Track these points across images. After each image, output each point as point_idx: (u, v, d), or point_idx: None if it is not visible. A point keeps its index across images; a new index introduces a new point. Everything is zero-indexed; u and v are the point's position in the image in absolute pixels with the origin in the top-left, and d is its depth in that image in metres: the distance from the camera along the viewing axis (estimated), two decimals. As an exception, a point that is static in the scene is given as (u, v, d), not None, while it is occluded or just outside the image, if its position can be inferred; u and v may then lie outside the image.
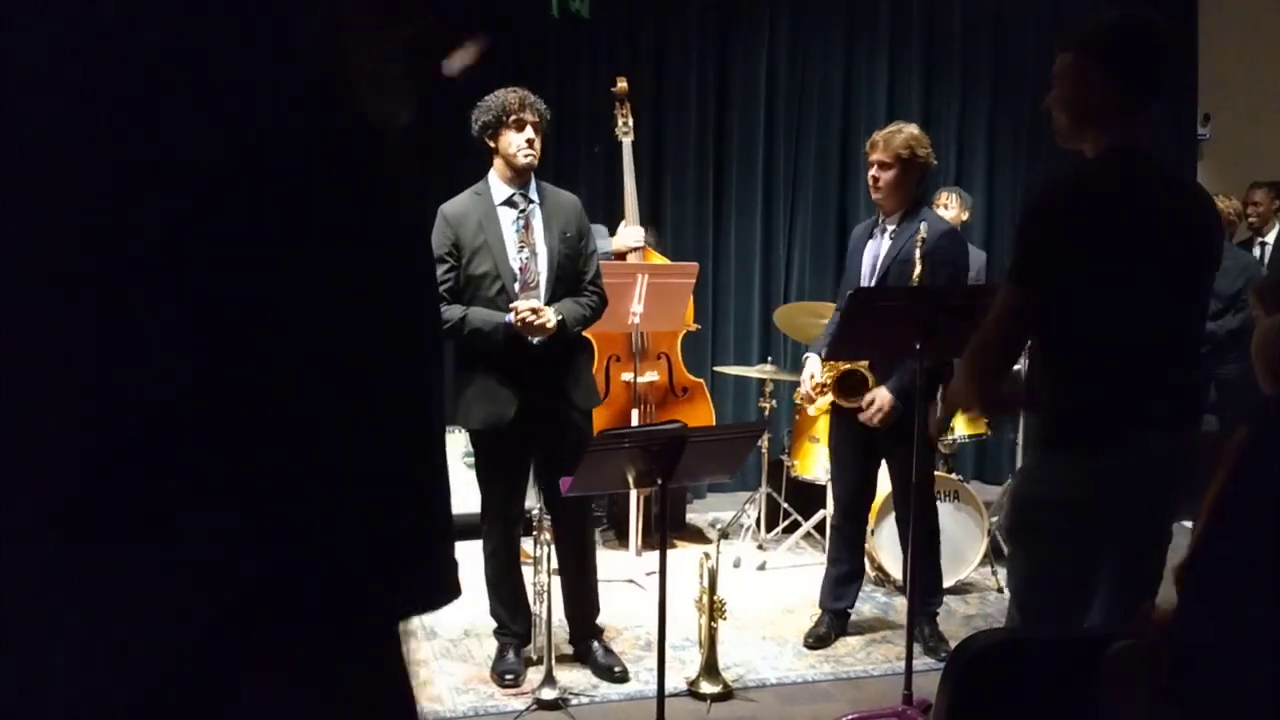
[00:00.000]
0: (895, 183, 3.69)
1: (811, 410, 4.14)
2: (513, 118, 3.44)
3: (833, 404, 3.94)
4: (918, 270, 3.59)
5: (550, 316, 3.40)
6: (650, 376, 4.91)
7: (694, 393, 5.22)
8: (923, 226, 3.67)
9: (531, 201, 3.53)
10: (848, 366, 3.80)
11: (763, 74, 6.24)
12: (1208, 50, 7.01)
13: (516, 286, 3.47)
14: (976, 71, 6.63)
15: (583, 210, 3.70)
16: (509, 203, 3.51)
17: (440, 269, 3.43)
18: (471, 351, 3.47)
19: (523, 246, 3.50)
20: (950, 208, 5.37)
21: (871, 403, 3.72)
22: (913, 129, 3.75)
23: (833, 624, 4.02)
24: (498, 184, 3.53)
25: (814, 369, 3.94)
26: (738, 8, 6.17)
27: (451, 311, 3.41)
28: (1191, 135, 7.06)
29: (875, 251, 3.81)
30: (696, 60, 6.10)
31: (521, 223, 3.51)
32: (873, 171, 3.73)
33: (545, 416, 3.48)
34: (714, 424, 5.21)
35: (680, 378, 5.19)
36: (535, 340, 3.43)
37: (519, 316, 3.37)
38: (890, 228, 3.77)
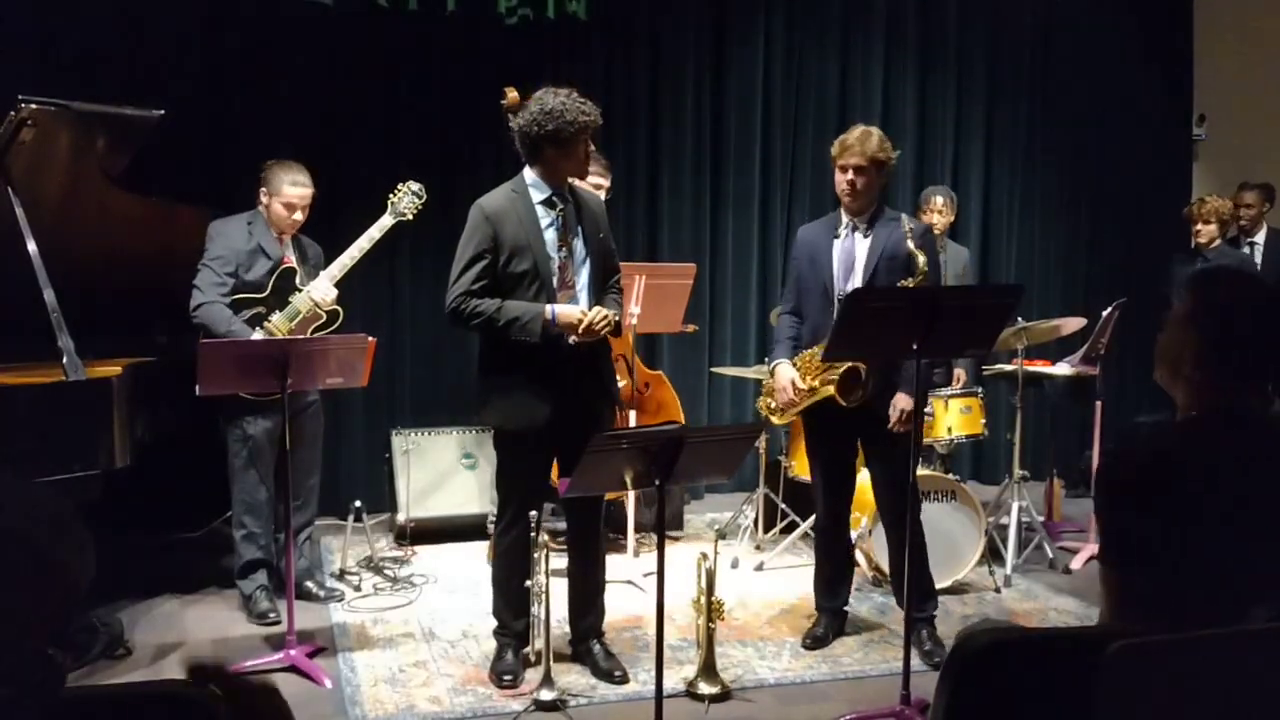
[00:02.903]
0: (869, 185, 3.74)
1: (776, 421, 4.05)
2: (589, 131, 3.43)
3: (808, 406, 3.85)
4: (921, 261, 3.58)
5: (606, 313, 3.39)
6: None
7: (655, 385, 5.19)
8: (905, 220, 3.71)
9: (568, 202, 3.49)
10: (850, 365, 3.70)
11: (759, 75, 6.24)
12: (1203, 51, 7.02)
13: (555, 284, 3.43)
14: (972, 70, 6.63)
15: (605, 210, 3.71)
16: (548, 203, 3.46)
17: (478, 266, 3.38)
18: (506, 350, 3.41)
19: (561, 246, 3.45)
20: (945, 212, 5.39)
21: (900, 411, 3.68)
22: (878, 131, 3.79)
23: (830, 624, 4.01)
24: (537, 183, 3.47)
25: (793, 375, 3.81)
26: (733, 8, 6.17)
27: (487, 304, 3.36)
28: (1187, 135, 7.08)
29: (848, 251, 3.80)
30: (692, 61, 6.10)
31: (560, 222, 3.46)
32: (848, 176, 3.72)
33: (586, 415, 3.42)
34: (680, 409, 5.18)
35: (641, 374, 5.14)
36: (572, 339, 3.39)
37: (583, 329, 3.33)
38: (862, 227, 3.79)
